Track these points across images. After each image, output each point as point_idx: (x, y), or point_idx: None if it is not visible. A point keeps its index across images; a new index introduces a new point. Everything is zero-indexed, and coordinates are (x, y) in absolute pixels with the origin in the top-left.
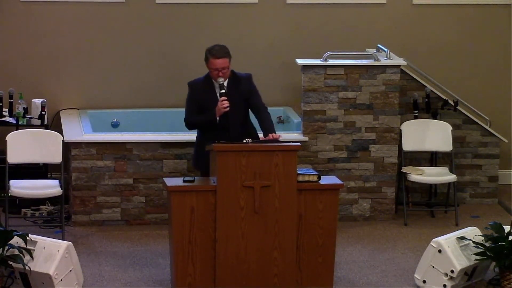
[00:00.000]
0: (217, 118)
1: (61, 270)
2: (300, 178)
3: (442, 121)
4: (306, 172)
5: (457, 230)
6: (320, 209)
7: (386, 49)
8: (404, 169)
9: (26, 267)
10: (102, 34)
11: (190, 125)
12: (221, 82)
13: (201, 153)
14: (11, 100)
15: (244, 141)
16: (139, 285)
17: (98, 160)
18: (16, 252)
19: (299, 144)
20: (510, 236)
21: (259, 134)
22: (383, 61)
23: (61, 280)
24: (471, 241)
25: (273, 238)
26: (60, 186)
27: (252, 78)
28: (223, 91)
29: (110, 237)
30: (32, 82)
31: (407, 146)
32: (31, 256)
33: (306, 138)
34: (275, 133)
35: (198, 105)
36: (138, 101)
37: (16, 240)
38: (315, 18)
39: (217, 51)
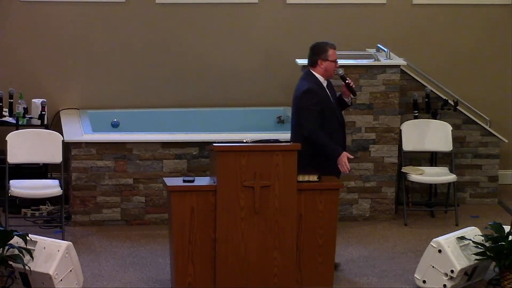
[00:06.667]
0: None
1: (61, 270)
2: (300, 178)
3: (442, 121)
4: (306, 172)
5: (457, 230)
6: (320, 209)
7: (386, 49)
8: (404, 169)
9: (26, 267)
10: (102, 34)
11: (314, 137)
12: (341, 73)
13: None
14: (11, 100)
15: (244, 141)
16: (139, 285)
17: (98, 160)
18: (16, 252)
19: (299, 144)
20: (510, 236)
21: None
22: (383, 61)
23: (61, 280)
24: (471, 241)
25: (273, 238)
26: (60, 186)
27: None
28: (346, 79)
29: (110, 237)
30: (32, 82)
31: (407, 146)
32: (31, 256)
33: None
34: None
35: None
36: (138, 101)
37: (16, 240)
38: (315, 18)
39: (332, 44)
